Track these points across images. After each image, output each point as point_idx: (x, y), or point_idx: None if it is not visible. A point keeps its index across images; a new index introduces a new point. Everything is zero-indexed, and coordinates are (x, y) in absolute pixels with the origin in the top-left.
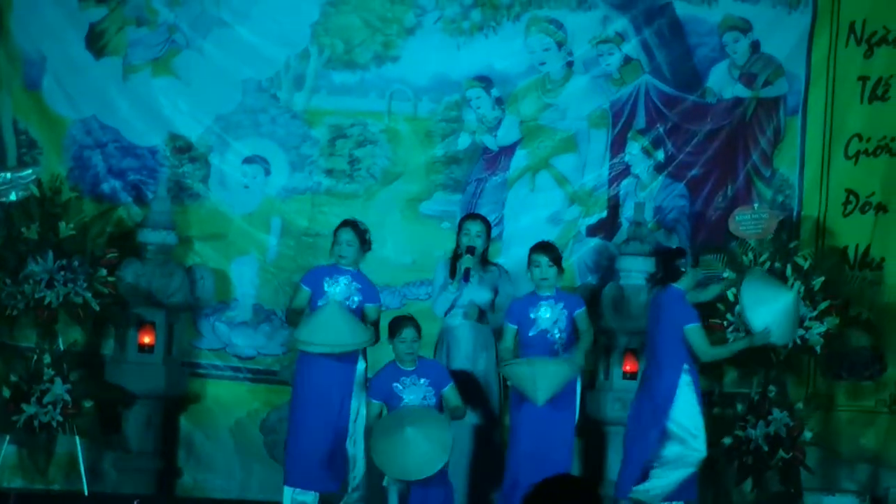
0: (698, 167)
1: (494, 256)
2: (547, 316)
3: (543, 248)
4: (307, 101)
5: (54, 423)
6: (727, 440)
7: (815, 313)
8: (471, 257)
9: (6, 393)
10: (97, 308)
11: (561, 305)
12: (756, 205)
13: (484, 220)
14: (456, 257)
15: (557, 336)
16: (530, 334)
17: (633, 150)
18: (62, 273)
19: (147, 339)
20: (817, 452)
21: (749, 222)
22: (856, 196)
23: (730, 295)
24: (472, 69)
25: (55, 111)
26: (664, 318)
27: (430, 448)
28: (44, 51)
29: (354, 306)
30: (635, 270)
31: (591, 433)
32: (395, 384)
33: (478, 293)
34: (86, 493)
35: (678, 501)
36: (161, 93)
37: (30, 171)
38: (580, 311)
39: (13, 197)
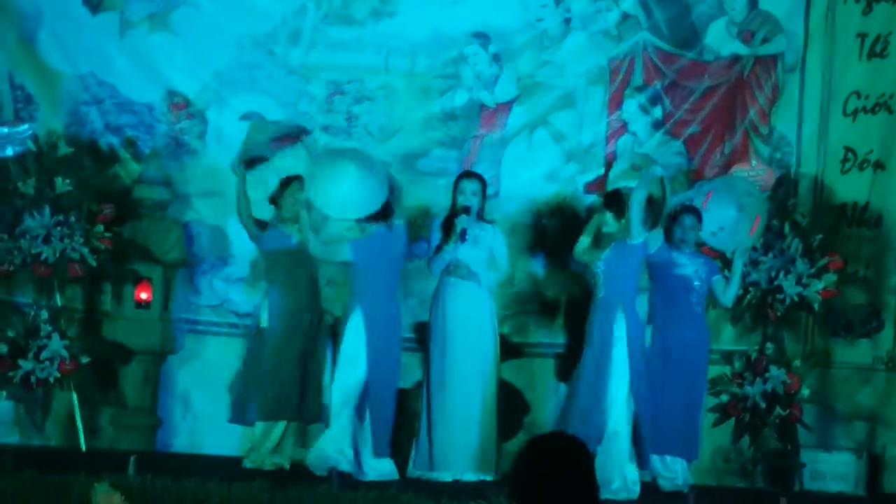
0: (696, 124)
1: (491, 213)
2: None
3: None
4: (304, 56)
5: (51, 379)
6: (724, 397)
7: (812, 270)
8: (466, 217)
9: (3, 349)
10: (94, 264)
11: None
12: (754, 162)
13: (480, 178)
14: (452, 216)
15: None
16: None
17: (631, 107)
18: (59, 228)
19: (144, 296)
20: (814, 410)
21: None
22: (854, 153)
23: None
24: (470, 25)
25: (52, 66)
26: None
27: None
28: (40, 5)
29: None
30: None
31: None
32: None
33: (473, 252)
34: (83, 449)
35: (680, 458)
36: (158, 48)
37: (26, 126)
38: None
39: (10, 152)
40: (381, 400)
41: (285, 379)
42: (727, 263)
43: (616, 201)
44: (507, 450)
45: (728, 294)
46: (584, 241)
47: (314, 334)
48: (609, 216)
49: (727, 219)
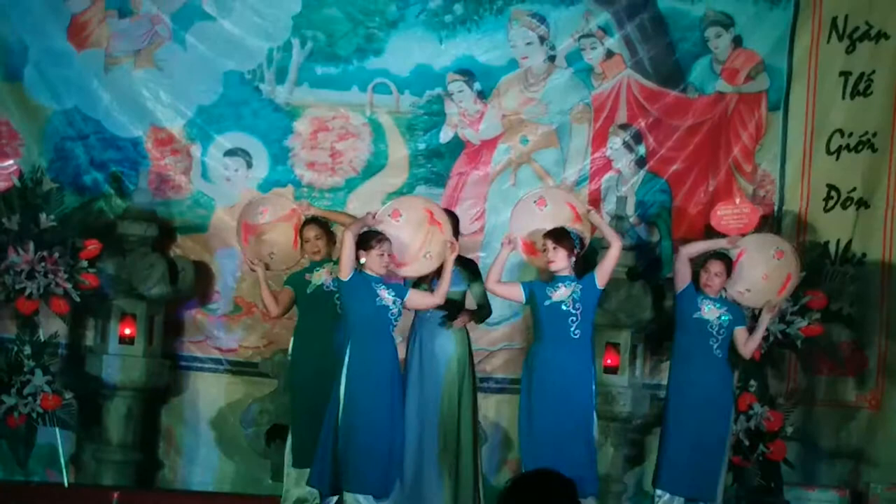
0: (680, 162)
1: (475, 250)
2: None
3: None
4: (289, 93)
5: (34, 415)
6: None
7: (796, 308)
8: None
9: None
10: (78, 299)
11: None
12: (737, 199)
13: (452, 215)
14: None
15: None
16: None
17: (615, 144)
18: (43, 264)
19: (128, 331)
20: (798, 447)
21: (731, 217)
22: (837, 191)
23: None
24: (455, 63)
25: (37, 102)
26: None
27: None
28: (25, 41)
29: None
30: (616, 265)
31: None
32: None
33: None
34: (66, 485)
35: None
36: (143, 85)
37: (11, 161)
38: None
39: None
40: (360, 438)
41: (305, 427)
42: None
43: (564, 239)
44: (491, 486)
45: (749, 346)
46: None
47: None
48: (562, 254)
49: (755, 281)
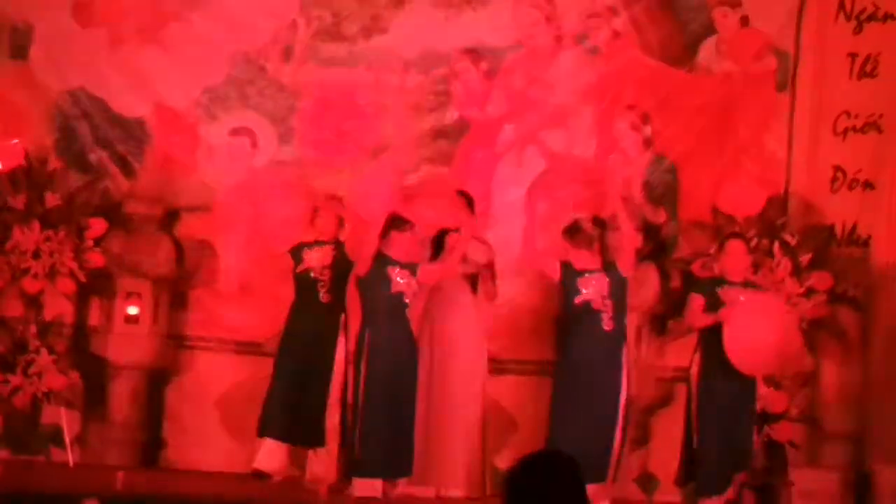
0: (686, 143)
1: (482, 230)
2: None
3: None
4: (295, 72)
5: (39, 394)
6: None
7: (801, 290)
8: (456, 234)
9: None
10: (83, 279)
11: None
12: (744, 181)
13: (468, 195)
14: (442, 233)
15: None
16: None
17: (622, 125)
18: (48, 243)
19: (133, 311)
20: (803, 428)
21: (737, 198)
22: (843, 173)
23: None
24: (461, 42)
25: (42, 81)
26: None
27: None
28: (31, 20)
29: None
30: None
31: None
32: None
33: (463, 269)
34: (70, 464)
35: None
36: (149, 64)
37: (16, 140)
38: None
39: None
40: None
41: (281, 399)
42: None
43: (579, 236)
44: (495, 467)
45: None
46: None
47: (316, 356)
48: (583, 254)
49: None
